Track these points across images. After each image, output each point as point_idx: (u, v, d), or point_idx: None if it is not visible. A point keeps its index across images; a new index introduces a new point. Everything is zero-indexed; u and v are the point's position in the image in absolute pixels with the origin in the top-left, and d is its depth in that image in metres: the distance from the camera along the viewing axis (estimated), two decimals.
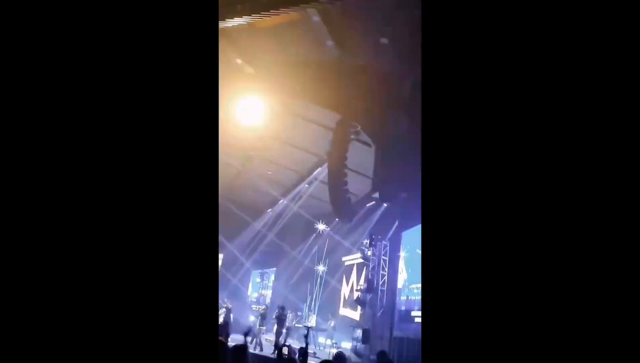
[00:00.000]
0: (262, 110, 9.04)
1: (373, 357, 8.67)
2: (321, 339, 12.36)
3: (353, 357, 9.40)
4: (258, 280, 17.12)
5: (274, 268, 16.79)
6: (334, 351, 8.95)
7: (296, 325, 13.43)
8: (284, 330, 10.93)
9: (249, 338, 4.63)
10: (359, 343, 9.93)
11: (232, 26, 5.96)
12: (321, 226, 14.56)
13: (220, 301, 13.42)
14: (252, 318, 11.85)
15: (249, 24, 5.71)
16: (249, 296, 16.90)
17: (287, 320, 11.92)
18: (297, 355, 7.35)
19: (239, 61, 7.44)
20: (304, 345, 8.24)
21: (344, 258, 14.23)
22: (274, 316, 11.73)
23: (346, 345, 10.94)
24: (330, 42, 6.97)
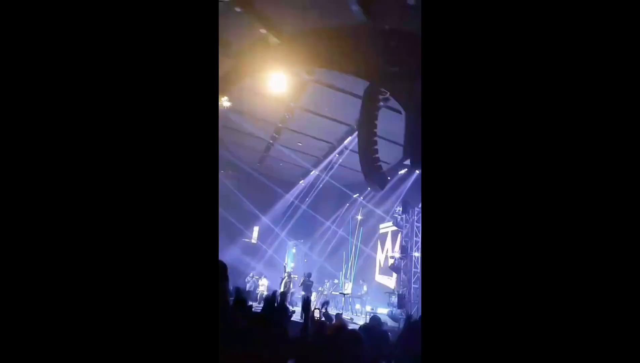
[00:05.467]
0: (289, 81, 9.01)
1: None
2: (358, 306, 12.60)
3: (389, 321, 9.55)
4: (294, 250, 17.47)
5: (309, 238, 17.06)
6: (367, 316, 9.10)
7: (333, 292, 13.74)
8: (312, 298, 11.32)
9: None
10: (394, 309, 10.07)
11: None
12: (354, 195, 14.62)
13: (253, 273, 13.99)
14: (282, 286, 12.27)
15: None
16: (285, 266, 17.32)
17: (324, 287, 12.36)
18: (332, 321, 7.55)
19: (263, 31, 7.38)
20: (340, 312, 8.43)
21: (378, 226, 14.28)
22: (300, 284, 12.12)
23: (382, 311, 11.12)
24: (355, 6, 6.78)
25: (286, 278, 12.41)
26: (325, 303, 6.70)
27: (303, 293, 11.58)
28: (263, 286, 13.19)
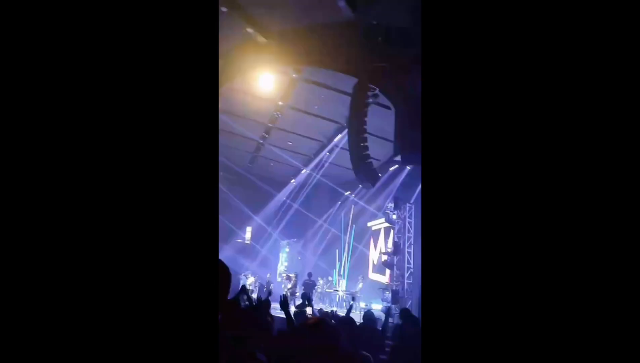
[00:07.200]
0: (278, 79, 8.98)
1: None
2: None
3: (383, 317, 9.57)
4: (287, 249, 17.45)
5: (302, 237, 17.05)
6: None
7: (327, 290, 13.76)
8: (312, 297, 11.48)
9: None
10: (388, 304, 10.09)
11: None
12: (345, 193, 14.63)
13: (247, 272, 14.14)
14: (283, 286, 12.42)
15: None
16: (279, 265, 17.29)
17: (317, 286, 12.56)
18: (331, 320, 7.54)
19: (249, 30, 7.33)
20: (334, 309, 8.44)
21: (369, 223, 14.30)
22: (302, 283, 12.26)
23: (377, 307, 11.14)
24: (341, 3, 6.76)
25: (294, 278, 12.60)
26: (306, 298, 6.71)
27: (303, 291, 11.65)
28: (250, 284, 13.33)
